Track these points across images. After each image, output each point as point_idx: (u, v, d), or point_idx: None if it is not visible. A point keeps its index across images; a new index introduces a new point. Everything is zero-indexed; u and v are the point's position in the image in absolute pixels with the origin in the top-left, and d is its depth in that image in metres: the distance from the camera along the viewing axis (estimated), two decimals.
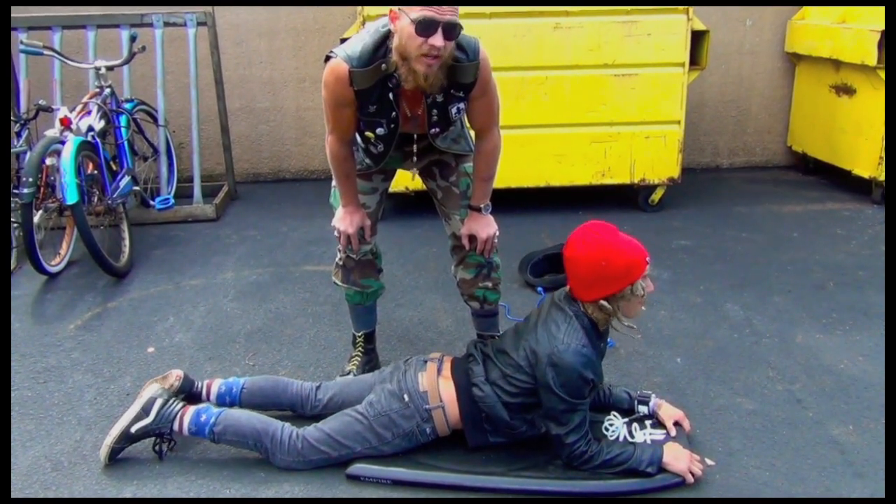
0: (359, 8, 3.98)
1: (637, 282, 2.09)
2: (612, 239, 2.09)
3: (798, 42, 5.08)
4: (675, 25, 4.13)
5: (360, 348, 2.75)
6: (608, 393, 2.43)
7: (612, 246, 2.08)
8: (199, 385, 2.46)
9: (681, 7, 4.08)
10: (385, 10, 3.95)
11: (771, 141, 5.53)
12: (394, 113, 2.23)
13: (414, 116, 2.27)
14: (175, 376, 2.41)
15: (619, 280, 2.08)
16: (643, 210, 4.55)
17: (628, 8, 4.08)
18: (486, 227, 2.45)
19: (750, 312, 3.23)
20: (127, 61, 4.18)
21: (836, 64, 4.69)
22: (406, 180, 4.05)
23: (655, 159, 4.39)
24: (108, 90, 4.08)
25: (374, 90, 2.16)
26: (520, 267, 3.60)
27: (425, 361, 2.31)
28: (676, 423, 2.34)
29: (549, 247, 3.74)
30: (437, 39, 2.00)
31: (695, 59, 4.28)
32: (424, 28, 1.99)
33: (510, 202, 4.02)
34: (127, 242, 3.87)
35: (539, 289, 3.43)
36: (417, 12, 1.99)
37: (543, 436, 2.20)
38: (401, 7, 2.03)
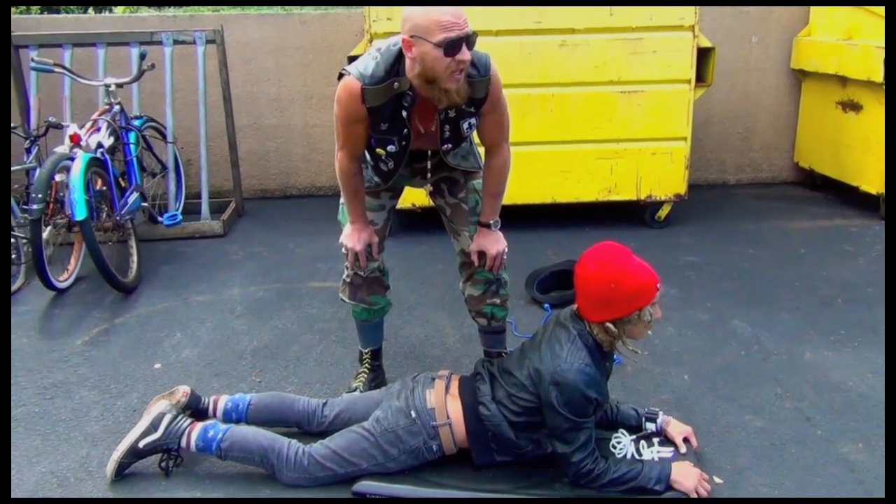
0: (366, 26, 4.02)
1: (645, 307, 2.08)
2: (625, 262, 2.08)
3: (804, 59, 5.09)
4: (681, 43, 4.15)
5: (366, 365, 2.76)
6: (615, 410, 2.42)
7: (623, 269, 2.06)
8: (206, 401, 2.47)
9: (686, 24, 4.11)
10: (388, 25, 4.00)
11: (778, 157, 5.53)
12: (405, 130, 2.24)
13: (427, 133, 2.28)
14: (182, 392, 2.42)
15: (628, 304, 2.07)
16: (650, 226, 4.55)
17: (634, 25, 4.10)
18: (496, 243, 2.46)
19: (758, 329, 3.22)
20: (136, 79, 4.22)
21: (843, 80, 4.70)
22: (413, 197, 4.06)
23: (662, 176, 4.40)
24: (117, 107, 4.12)
25: (386, 108, 2.18)
26: (526, 283, 3.60)
27: (433, 379, 2.31)
28: (685, 440, 2.33)
29: (555, 263, 3.74)
30: (466, 54, 2.03)
31: (701, 76, 4.30)
32: (452, 48, 2.00)
33: (516, 218, 4.02)
34: (135, 258, 3.89)
35: (546, 305, 3.43)
36: (440, 35, 1.99)
37: (550, 455, 2.19)
38: (415, 35, 2.02)
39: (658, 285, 2.10)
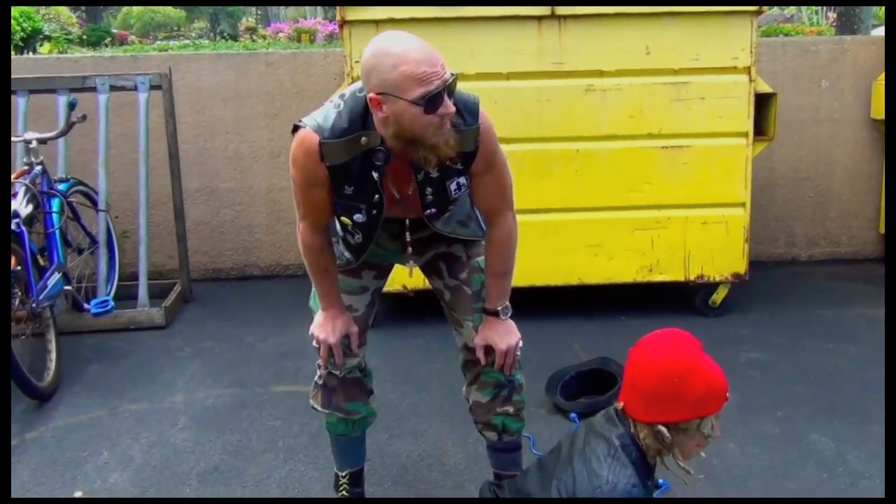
0: (346, 68, 4.12)
1: (709, 417, 2.08)
2: (695, 355, 2.08)
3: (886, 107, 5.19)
4: (735, 87, 4.25)
5: (343, 492, 2.72)
6: None
7: (692, 363, 2.06)
8: None
9: (741, 66, 4.21)
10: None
11: (859, 227, 5.59)
12: (377, 196, 2.25)
13: (403, 198, 2.30)
14: None
15: (690, 407, 2.06)
16: (702, 314, 4.56)
17: (676, 67, 4.20)
18: (506, 335, 2.46)
19: (843, 446, 3.19)
20: (63, 133, 4.31)
21: None
22: (403, 277, 4.07)
23: (716, 250, 4.43)
24: (38, 168, 4.19)
25: (350, 166, 2.18)
26: (547, 387, 3.59)
27: None
28: None
29: (583, 361, 3.74)
30: (448, 106, 2.05)
31: (760, 129, 4.38)
32: (434, 104, 2.02)
33: (533, 304, 4.03)
34: (53, 356, 3.89)
35: (572, 415, 3.40)
36: (418, 90, 2.00)
37: None
38: (383, 92, 2.02)
39: (728, 394, 2.09)
